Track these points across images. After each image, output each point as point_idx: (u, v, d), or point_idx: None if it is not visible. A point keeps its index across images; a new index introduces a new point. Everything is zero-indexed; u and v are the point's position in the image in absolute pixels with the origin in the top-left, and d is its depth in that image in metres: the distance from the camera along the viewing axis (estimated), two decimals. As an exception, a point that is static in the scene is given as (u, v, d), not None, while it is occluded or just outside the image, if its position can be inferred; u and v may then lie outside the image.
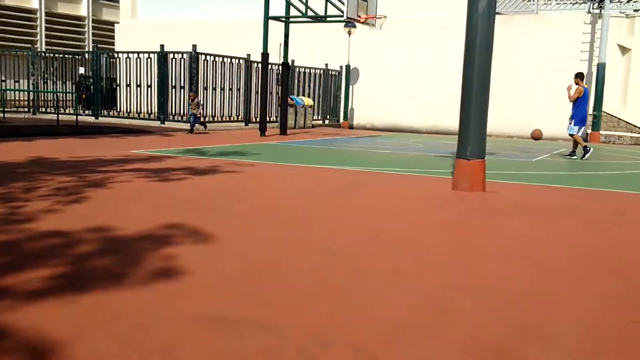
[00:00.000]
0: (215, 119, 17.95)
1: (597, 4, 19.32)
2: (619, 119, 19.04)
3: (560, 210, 6.02)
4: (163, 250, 3.76)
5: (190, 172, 7.69)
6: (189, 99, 15.88)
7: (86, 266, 3.39)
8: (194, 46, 16.69)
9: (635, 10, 19.08)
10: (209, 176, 7.43)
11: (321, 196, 6.39)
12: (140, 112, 17.96)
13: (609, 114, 19.01)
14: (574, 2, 20.25)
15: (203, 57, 17.01)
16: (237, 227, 4.64)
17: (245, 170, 8.17)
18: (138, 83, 17.70)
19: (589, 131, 18.84)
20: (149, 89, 17.50)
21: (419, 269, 3.66)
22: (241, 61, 18.41)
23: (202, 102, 16.83)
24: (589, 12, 19.38)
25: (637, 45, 18.60)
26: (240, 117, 18.79)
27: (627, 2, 19.48)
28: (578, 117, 12.26)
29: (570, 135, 12.41)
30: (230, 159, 9.39)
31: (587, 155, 11.95)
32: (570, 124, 12.32)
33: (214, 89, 17.65)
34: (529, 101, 19.62)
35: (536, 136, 12.65)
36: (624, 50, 18.88)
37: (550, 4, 20.52)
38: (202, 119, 15.76)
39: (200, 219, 4.78)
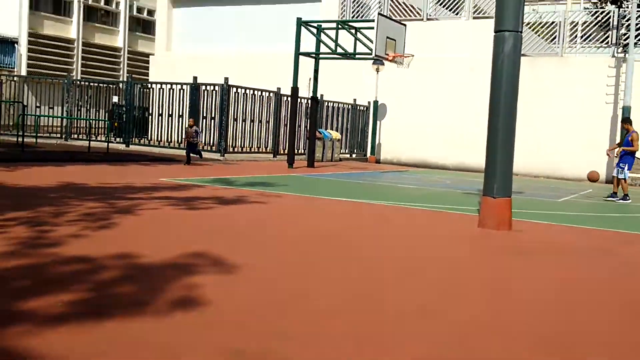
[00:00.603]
0: (244, 149, 18.20)
1: (621, 48, 19.27)
2: (650, 162, 18.74)
3: (587, 252, 5.95)
4: (187, 278, 3.82)
5: (217, 201, 7.81)
6: (187, 125, 14.93)
7: (109, 292, 3.45)
8: (226, 79, 17.05)
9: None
10: (235, 206, 7.53)
11: (348, 230, 6.42)
12: (171, 141, 18.31)
13: (636, 157, 18.71)
14: (599, 45, 20.22)
15: (234, 89, 17.35)
16: (262, 257, 4.69)
17: (272, 201, 8.25)
18: (170, 113, 18.09)
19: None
20: (180, 118, 17.86)
21: (446, 307, 3.65)
22: (271, 94, 18.73)
23: (232, 133, 17.12)
24: (613, 55, 19.34)
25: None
26: (268, 149, 19.03)
27: (654, 46, 19.38)
28: (632, 162, 12.04)
29: (621, 179, 12.02)
30: (257, 190, 9.50)
31: (626, 201, 11.73)
32: (623, 168, 11.98)
33: (244, 120, 17.95)
34: (554, 141, 19.50)
35: (593, 178, 12.37)
36: (650, 93, 18.70)
37: (575, 47, 20.51)
38: (199, 147, 15.03)
39: (226, 249, 4.85)
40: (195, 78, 17.79)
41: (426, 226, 7.17)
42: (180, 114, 17.97)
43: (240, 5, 25.56)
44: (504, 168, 6.96)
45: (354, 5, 23.06)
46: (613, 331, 3.38)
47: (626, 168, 11.95)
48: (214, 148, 17.34)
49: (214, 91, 17.38)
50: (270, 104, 18.77)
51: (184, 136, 15.05)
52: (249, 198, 8.37)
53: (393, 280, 4.26)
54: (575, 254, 5.80)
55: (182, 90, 17.92)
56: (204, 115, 17.63)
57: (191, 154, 14.32)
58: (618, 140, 18.56)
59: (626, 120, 12.42)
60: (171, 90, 18.16)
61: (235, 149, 17.77)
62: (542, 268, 5.05)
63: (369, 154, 22.48)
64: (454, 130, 20.77)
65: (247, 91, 17.83)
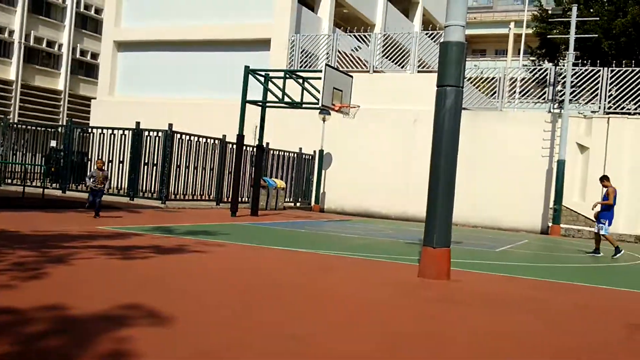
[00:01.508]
0: (187, 197, 17.93)
1: (557, 104, 20.33)
2: (578, 213, 19.59)
3: (522, 302, 6.08)
4: (119, 331, 3.68)
5: (155, 250, 7.61)
6: (96, 167, 12.74)
7: (35, 346, 3.28)
8: (170, 125, 16.91)
9: (592, 112, 20.10)
10: (174, 255, 7.35)
11: (288, 280, 6.36)
12: (110, 188, 17.85)
13: (568, 208, 19.55)
14: (536, 101, 21.27)
15: (178, 135, 17.21)
16: (198, 309, 4.57)
17: (213, 251, 8.11)
18: (110, 158, 17.71)
19: (550, 224, 19.28)
20: (121, 164, 17.50)
21: (383, 357, 3.63)
22: (216, 141, 18.66)
23: (174, 180, 16.87)
24: (549, 111, 20.34)
25: (594, 145, 19.45)
26: (212, 197, 18.81)
27: (585, 103, 20.55)
28: (611, 217, 12.27)
29: (603, 235, 12.18)
30: (198, 239, 9.33)
31: (617, 255, 11.79)
32: (604, 224, 12.14)
33: (187, 167, 17.75)
34: (493, 193, 20.11)
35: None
36: (582, 148, 19.71)
37: (514, 102, 21.51)
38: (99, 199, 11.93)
39: (161, 300, 4.71)
40: (138, 123, 17.56)
41: (367, 275, 7.18)
42: (121, 159, 17.62)
43: (187, 52, 25.68)
44: (444, 219, 7.11)
45: (302, 55, 23.54)
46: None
47: (606, 224, 12.15)
48: (155, 195, 17.01)
49: (157, 137, 17.17)
50: (215, 151, 18.67)
51: (89, 181, 12.03)
52: (189, 247, 8.20)
53: (332, 330, 4.21)
54: (511, 304, 5.92)
55: (124, 136, 17.62)
56: (146, 161, 17.34)
57: (95, 202, 11.70)
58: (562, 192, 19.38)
59: (603, 178, 12.62)
60: (112, 135, 17.84)
61: (178, 197, 17.48)
62: (478, 318, 5.12)
63: (313, 203, 22.55)
64: (397, 180, 21.15)
65: (192, 138, 17.71)
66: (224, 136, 18.66)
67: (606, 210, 12.21)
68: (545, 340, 4.53)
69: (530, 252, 12.39)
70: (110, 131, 17.95)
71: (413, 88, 21.21)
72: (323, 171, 22.58)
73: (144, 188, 17.36)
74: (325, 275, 6.97)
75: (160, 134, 17.08)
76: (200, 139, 18.04)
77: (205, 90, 24.67)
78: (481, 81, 22.76)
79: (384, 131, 21.54)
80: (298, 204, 22.60)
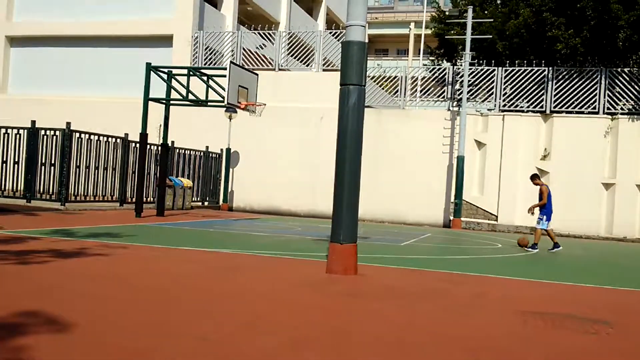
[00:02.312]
0: (88, 198, 17.16)
1: (456, 102, 21.31)
2: (477, 207, 20.66)
3: (424, 293, 6.34)
4: (16, 340, 3.49)
5: (54, 254, 7.25)
6: None
7: None
8: (68, 123, 16.12)
9: (488, 110, 21.24)
10: (75, 259, 7.04)
11: (196, 280, 6.27)
12: (5, 190, 16.78)
13: (468, 202, 20.57)
14: (436, 100, 22.18)
15: (77, 134, 16.43)
16: (102, 314, 4.41)
17: (116, 253, 7.84)
18: (4, 159, 16.64)
19: (452, 218, 20.19)
20: (16, 165, 16.48)
21: (292, 353, 3.67)
22: (118, 140, 18.00)
23: (74, 181, 16.12)
24: (449, 109, 21.29)
25: (490, 141, 20.58)
26: (115, 197, 18.12)
27: (482, 101, 21.68)
28: (549, 213, 12.60)
29: (544, 229, 12.55)
30: (101, 241, 8.98)
31: (534, 250, 12.25)
32: (542, 219, 12.48)
33: (88, 167, 16.99)
34: (397, 188, 20.78)
35: (522, 243, 13.03)
36: (480, 144, 20.79)
37: (416, 100, 22.31)
38: None
39: (61, 306, 4.50)
40: (33, 122, 16.60)
41: (275, 273, 7.21)
42: (17, 160, 16.61)
43: (87, 47, 24.58)
44: (350, 216, 7.27)
45: (206, 53, 23.18)
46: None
47: (544, 219, 12.48)
48: (54, 197, 16.17)
49: (54, 136, 16.32)
50: (117, 150, 18.00)
51: None
52: (91, 250, 7.88)
53: (241, 329, 4.21)
54: (414, 296, 6.16)
55: (18, 135, 16.61)
56: (43, 162, 16.44)
57: None
58: (462, 189, 20.30)
59: (534, 177, 12.94)
60: (6, 134, 16.77)
61: (78, 198, 16.70)
62: (384, 310, 5.29)
63: (221, 202, 22.31)
64: (305, 177, 21.35)
65: (92, 137, 16.97)
66: (126, 135, 18.04)
67: (545, 207, 12.57)
68: (445, 329, 4.75)
69: (433, 245, 12.92)
70: (3, 130, 16.85)
71: (318, 86, 21.48)
72: (231, 169, 22.38)
73: (41, 190, 16.46)
74: (234, 274, 6.94)
75: (57, 132, 16.25)
76: (102, 138, 17.33)
77: (107, 88, 23.74)
78: (384, 80, 23.42)
79: (290, 129, 21.66)
80: (206, 203, 22.27)
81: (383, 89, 23.64)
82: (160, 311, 4.67)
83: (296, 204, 21.58)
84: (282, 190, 21.64)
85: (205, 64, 22.77)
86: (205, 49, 23.20)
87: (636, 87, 19.82)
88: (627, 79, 19.87)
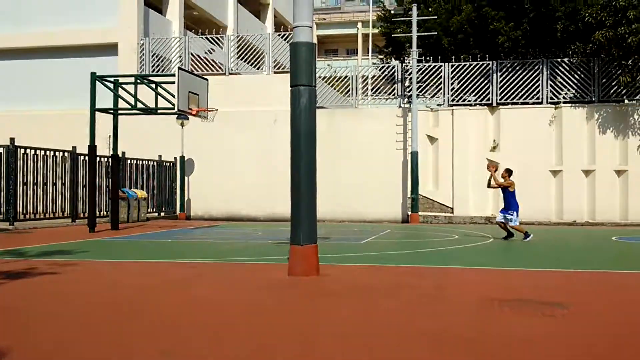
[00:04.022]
0: (38, 216, 16.61)
1: (406, 99, 21.57)
2: (434, 200, 20.96)
3: (387, 289, 6.38)
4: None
5: (3, 276, 6.96)
6: None
7: None
8: (12, 139, 15.58)
9: (438, 105, 21.59)
10: (22, 280, 6.78)
11: (154, 293, 6.13)
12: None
13: (425, 197, 20.85)
14: (387, 97, 22.40)
15: (22, 150, 15.89)
16: (55, 334, 4.26)
17: (67, 271, 7.59)
18: (-57, 180, 15.94)
19: (410, 213, 20.42)
20: (-43, 185, 15.84)
21: (259, 359, 3.63)
22: (66, 154, 17.49)
23: (22, 199, 15.57)
24: (400, 106, 21.53)
25: (441, 135, 20.91)
26: (66, 213, 17.59)
27: (431, 97, 22.01)
28: (517, 208, 12.57)
29: (512, 226, 12.55)
30: (52, 259, 8.68)
31: (528, 238, 12.33)
32: (513, 215, 12.46)
33: (35, 184, 16.45)
34: (356, 187, 20.88)
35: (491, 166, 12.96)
36: (432, 139, 21.10)
37: (367, 99, 22.48)
38: None
39: (4, 329, 4.32)
40: (-26, 140, 15.97)
41: (237, 279, 7.13)
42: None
43: (29, 59, 23.81)
44: (309, 216, 7.24)
45: (154, 60, 22.78)
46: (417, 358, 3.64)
47: (515, 215, 12.45)
48: (1, 216, 15.59)
49: (-2, 154, 15.73)
50: (65, 164, 17.49)
51: None
52: (39, 269, 7.60)
53: (203, 339, 4.13)
54: (377, 292, 6.19)
55: (-41, 154, 15.93)
56: (-12, 180, 15.82)
57: None
58: (417, 183, 20.54)
59: (508, 172, 12.80)
60: (-55, 154, 16.06)
61: (27, 216, 16.15)
62: (348, 307, 5.30)
63: (178, 211, 21.96)
64: (263, 181, 21.20)
65: (38, 152, 16.45)
66: (74, 148, 17.55)
67: (511, 198, 12.53)
68: (409, 322, 4.79)
69: (393, 241, 13.03)
70: (-60, 150, 16.14)
71: (270, 89, 21.39)
72: (186, 178, 22.06)
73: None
74: (194, 283, 6.82)
75: (1, 149, 15.67)
76: (48, 152, 16.81)
77: (52, 101, 23.01)
78: (335, 80, 23.51)
79: (245, 133, 21.51)
80: (162, 214, 21.88)
81: (335, 89, 23.72)
82: (118, 326, 4.54)
83: (256, 208, 21.43)
84: (240, 195, 21.45)
85: (152, 72, 22.36)
86: (152, 55, 22.80)
87: (576, 76, 20.47)
88: (567, 68, 20.50)
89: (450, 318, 4.94)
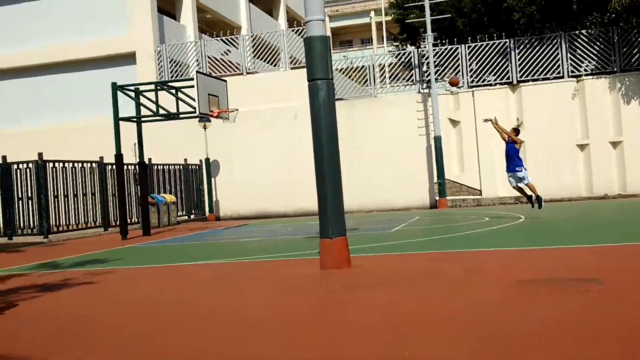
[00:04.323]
0: (71, 227, 16.96)
1: (425, 84, 21.41)
2: (460, 184, 20.81)
3: (420, 276, 6.38)
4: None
5: (39, 289, 7.14)
6: None
7: None
8: (40, 154, 15.91)
9: (458, 87, 21.36)
10: (61, 292, 6.94)
11: (190, 296, 6.23)
12: (-17, 230, 16.51)
13: (451, 181, 20.71)
14: (405, 84, 22.27)
15: (51, 164, 16.23)
16: (91, 346, 4.37)
17: (103, 280, 7.74)
18: (-22, 199, 16.36)
19: (438, 198, 20.31)
20: (-8, 203, 16.24)
21: (297, 354, 3.67)
22: (94, 164, 17.80)
23: (55, 212, 15.90)
24: (419, 92, 21.38)
25: (463, 118, 20.72)
26: (98, 223, 17.93)
27: (451, 80, 21.80)
28: (522, 163, 12.46)
29: (528, 184, 12.36)
30: (87, 269, 8.87)
31: (543, 205, 12.16)
32: (522, 171, 12.29)
33: (66, 196, 16.79)
34: (380, 176, 20.81)
35: (453, 83, 12.89)
36: (454, 123, 20.92)
37: (386, 87, 22.37)
38: None
39: (41, 346, 4.43)
40: (4, 157, 16.35)
41: (269, 277, 7.20)
42: (-8, 198, 16.33)
43: (48, 75, 24.21)
44: (336, 209, 7.27)
45: (172, 65, 23.00)
46: (443, 347, 3.65)
47: (523, 171, 12.28)
48: (35, 230, 15.95)
49: (27, 169, 16.09)
50: (94, 175, 17.80)
51: None
52: (77, 280, 7.76)
53: (240, 339, 4.20)
54: (410, 280, 6.20)
55: (-9, 173, 16.32)
56: (20, 196, 16.20)
57: None
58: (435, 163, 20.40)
59: (516, 132, 12.87)
60: (-22, 173, 16.46)
61: (60, 228, 16.49)
62: (382, 298, 5.32)
63: (207, 213, 22.19)
64: (289, 177, 21.29)
65: (66, 164, 16.76)
66: (101, 158, 17.85)
67: (516, 156, 12.38)
68: (443, 307, 4.79)
69: (423, 228, 12.99)
70: (-27, 170, 16.55)
71: (289, 85, 21.42)
72: (213, 179, 22.26)
73: (22, 225, 16.23)
74: (224, 284, 6.91)
75: (30, 165, 16.03)
76: (76, 164, 17.12)
77: (76, 113, 23.37)
78: (352, 71, 23.45)
79: (267, 130, 21.60)
80: (192, 217, 22.14)
81: (352, 80, 23.66)
82: (150, 332, 4.63)
83: (284, 204, 21.53)
84: (267, 192, 21.57)
85: (171, 77, 22.57)
86: (170, 61, 23.01)
87: (596, 47, 20.08)
88: (586, 40, 20.12)
89: (483, 302, 4.92)
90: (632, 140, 19.29)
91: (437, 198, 20.35)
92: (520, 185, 12.64)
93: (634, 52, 19.61)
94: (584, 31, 20.20)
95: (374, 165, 20.86)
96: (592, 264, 6.49)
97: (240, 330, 4.45)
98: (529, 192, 12.61)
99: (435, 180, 20.52)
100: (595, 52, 20.10)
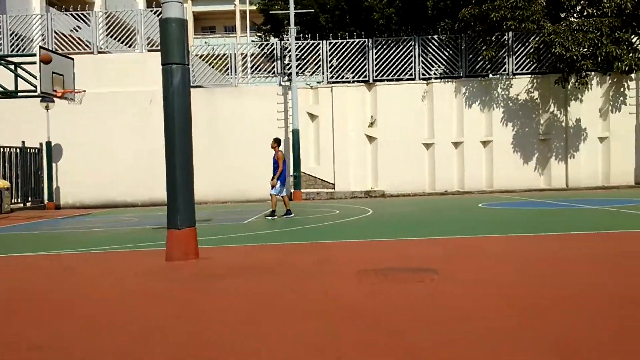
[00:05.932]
0: None
1: (286, 77, 21.57)
2: (315, 177, 21.29)
3: (269, 267, 6.36)
4: None
5: None
6: None
7: None
8: None
9: (317, 82, 21.81)
10: None
11: (24, 287, 5.68)
12: None
13: (306, 174, 21.11)
14: (267, 75, 22.28)
15: None
16: None
17: None
18: None
19: (292, 190, 20.59)
20: None
21: (142, 347, 3.45)
22: None
23: None
24: (280, 84, 21.50)
25: (321, 113, 21.21)
26: None
27: (311, 75, 22.19)
28: (284, 180, 12.88)
29: (273, 194, 12.82)
30: None
31: (290, 216, 12.76)
32: (276, 186, 12.83)
33: None
34: (238, 167, 20.67)
35: (45, 60, 12.63)
36: (312, 117, 21.33)
37: (247, 77, 22.22)
38: None
39: None
40: None
41: (113, 269, 6.79)
42: None
43: None
44: (186, 199, 7.03)
45: (12, 39, 21.01)
46: (300, 333, 3.64)
47: (278, 185, 12.72)
48: None
49: None
50: None
51: None
52: None
53: (81, 333, 3.89)
54: (261, 270, 6.15)
55: None
56: None
57: None
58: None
59: (277, 142, 13.20)
60: None
61: None
62: (230, 287, 5.22)
63: (46, 201, 20.58)
64: (140, 165, 20.38)
65: None
66: None
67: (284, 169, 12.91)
68: (292, 297, 4.80)
69: (275, 220, 13.04)
70: None
71: (145, 68, 20.49)
72: (54, 164, 20.69)
73: None
74: (66, 276, 6.41)
75: None
76: None
77: None
78: (214, 58, 22.98)
79: (119, 115, 20.50)
80: (29, 204, 20.41)
81: (213, 67, 23.19)
82: (-25, 329, 4.15)
83: (133, 193, 20.58)
84: (116, 180, 20.48)
85: (11, 52, 20.61)
86: (11, 34, 21.00)
87: (445, 52, 21.50)
88: (437, 45, 21.48)
89: (331, 291, 5.01)
90: (472, 141, 20.94)
91: (292, 190, 20.62)
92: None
93: (478, 59, 21.26)
94: (435, 36, 21.52)
95: (232, 156, 20.66)
96: (430, 255, 6.89)
97: (77, 325, 4.11)
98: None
99: (291, 172, 20.76)
100: (444, 57, 21.50)
